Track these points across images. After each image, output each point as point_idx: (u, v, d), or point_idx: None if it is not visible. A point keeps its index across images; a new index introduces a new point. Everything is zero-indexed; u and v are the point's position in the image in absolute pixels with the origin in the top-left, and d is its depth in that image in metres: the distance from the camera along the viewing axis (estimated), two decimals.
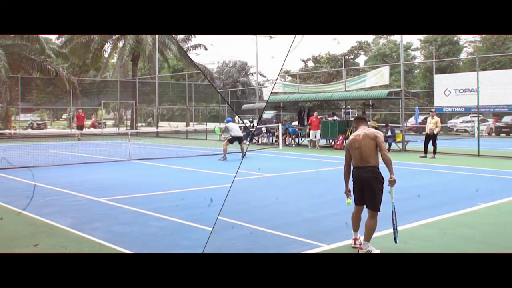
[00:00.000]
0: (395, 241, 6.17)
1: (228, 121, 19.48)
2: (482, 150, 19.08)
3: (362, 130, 6.37)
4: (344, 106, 30.61)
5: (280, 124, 24.97)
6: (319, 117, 24.32)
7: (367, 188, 6.11)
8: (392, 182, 6.07)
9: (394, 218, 6.12)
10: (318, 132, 23.35)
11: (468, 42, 48.51)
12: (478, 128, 22.34)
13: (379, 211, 6.11)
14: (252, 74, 57.08)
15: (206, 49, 46.19)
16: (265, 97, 32.08)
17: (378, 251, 6.04)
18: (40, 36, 32.67)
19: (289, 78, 44.17)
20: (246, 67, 57.54)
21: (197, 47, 45.50)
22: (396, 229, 6.16)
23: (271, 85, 30.69)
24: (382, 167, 6.21)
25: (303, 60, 56.36)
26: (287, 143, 24.89)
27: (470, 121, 34.68)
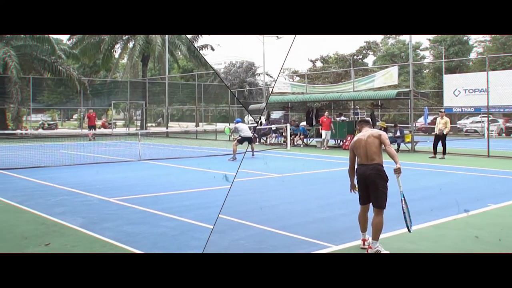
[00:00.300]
0: (409, 231, 6.22)
1: (237, 122, 19.57)
2: (492, 150, 19.01)
3: (366, 131, 6.46)
4: (352, 107, 30.58)
5: (288, 124, 25.00)
6: (328, 117, 24.33)
7: (371, 185, 6.16)
8: (397, 170, 6.08)
9: (403, 206, 6.16)
10: (329, 132, 23.35)
11: (477, 42, 48.20)
12: (488, 129, 22.27)
13: (384, 208, 6.15)
14: (259, 74, 57.15)
15: (213, 49, 46.30)
16: (273, 97, 32.09)
17: (387, 251, 6.06)
18: (51, 37, 32.96)
19: (298, 78, 44.12)
20: (253, 67, 57.54)
21: (204, 48, 45.64)
22: (408, 218, 6.17)
23: (278, 85, 30.64)
24: (387, 168, 6.26)
25: (311, 60, 56.22)
26: (295, 143, 24.92)
27: (480, 122, 34.53)
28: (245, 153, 18.73)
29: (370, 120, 7.55)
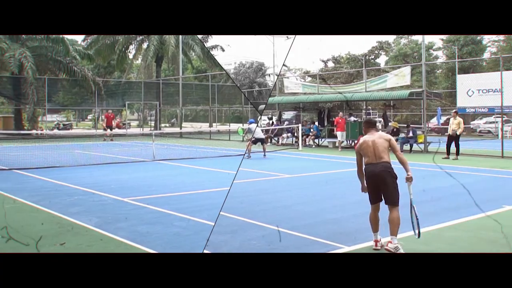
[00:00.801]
0: (418, 236, 6.27)
1: (250, 122, 19.65)
2: (506, 151, 18.87)
3: (374, 134, 6.56)
4: (364, 107, 30.50)
5: (300, 125, 25.03)
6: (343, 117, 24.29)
7: (381, 183, 6.23)
8: (409, 179, 6.22)
9: (415, 212, 6.23)
10: (344, 133, 23.29)
11: (491, 42, 47.77)
12: (502, 129, 22.12)
13: (398, 204, 6.22)
14: (269, 75, 57.21)
15: (223, 50, 46.36)
16: (285, 98, 32.09)
17: (402, 251, 6.11)
18: (66, 38, 33.27)
19: (309, 78, 44.07)
20: (262, 67, 57.59)
21: (215, 48, 45.71)
22: (417, 226, 6.23)
23: (290, 86, 30.70)
24: (395, 168, 6.31)
25: (323, 61, 56.11)
26: (307, 143, 24.92)
27: (493, 122, 34.26)
28: (244, 154, 18.75)
29: (376, 121, 7.61)
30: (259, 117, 31.31)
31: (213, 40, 46.52)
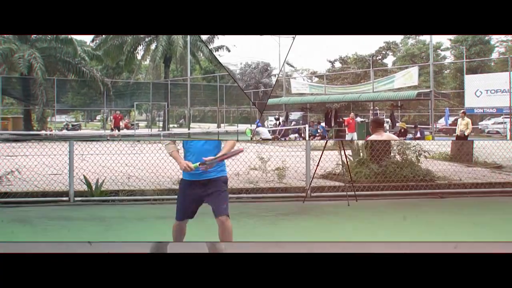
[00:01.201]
0: None
1: (257, 123, 19.81)
2: None
3: (382, 135, 6.48)
4: (372, 107, 30.44)
5: (307, 125, 25.03)
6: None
7: None
8: None
9: None
10: (355, 134, 23.23)
11: (499, 42, 47.44)
12: (510, 130, 22.02)
13: None
14: (275, 75, 56.90)
15: (229, 50, 46.25)
16: (292, 98, 32.09)
17: None
18: (74, 39, 33.46)
19: (316, 79, 44.02)
20: (269, 68, 57.34)
21: (220, 49, 45.66)
22: None
23: (297, 86, 30.74)
24: None
25: (330, 61, 55.89)
26: None
27: (502, 123, 34.05)
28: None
29: (384, 121, 7.64)
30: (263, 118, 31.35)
31: (219, 40, 46.37)
